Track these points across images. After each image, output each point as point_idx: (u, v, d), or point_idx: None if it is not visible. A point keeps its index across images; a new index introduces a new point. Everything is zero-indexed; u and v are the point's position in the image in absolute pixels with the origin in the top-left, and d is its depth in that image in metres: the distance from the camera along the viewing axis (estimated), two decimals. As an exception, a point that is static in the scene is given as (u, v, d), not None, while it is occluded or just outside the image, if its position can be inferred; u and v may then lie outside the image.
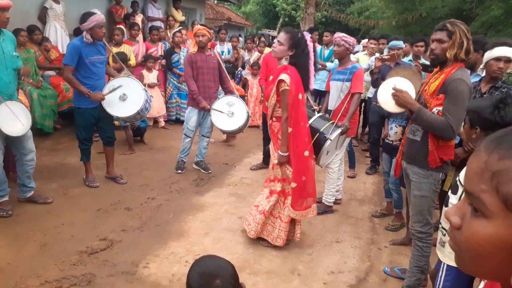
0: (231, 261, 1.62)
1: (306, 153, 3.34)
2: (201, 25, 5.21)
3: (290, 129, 3.25)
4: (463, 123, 2.75)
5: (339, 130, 3.83)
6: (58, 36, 6.38)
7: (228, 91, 5.14)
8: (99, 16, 4.06)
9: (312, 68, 3.40)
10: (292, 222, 3.50)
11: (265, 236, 3.49)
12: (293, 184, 3.32)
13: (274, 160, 3.38)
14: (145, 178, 4.87)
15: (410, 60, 5.61)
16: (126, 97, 4.23)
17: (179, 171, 5.11)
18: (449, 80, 2.47)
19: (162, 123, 7.18)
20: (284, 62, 3.27)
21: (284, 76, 3.15)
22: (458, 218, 0.60)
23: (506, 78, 3.97)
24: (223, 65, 5.22)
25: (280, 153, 3.30)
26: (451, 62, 2.50)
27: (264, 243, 3.50)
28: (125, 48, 6.44)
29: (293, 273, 3.14)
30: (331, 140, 3.72)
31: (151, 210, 4.05)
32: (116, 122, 5.44)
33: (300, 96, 3.24)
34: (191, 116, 5.02)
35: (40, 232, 3.46)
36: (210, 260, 1.42)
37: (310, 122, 3.88)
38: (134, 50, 6.68)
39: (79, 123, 4.32)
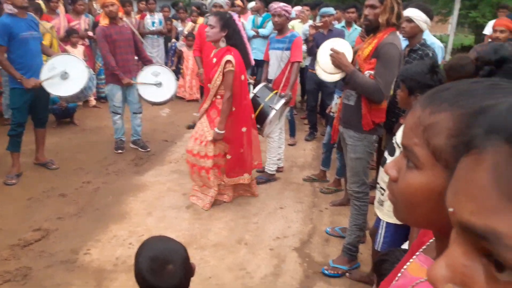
0: (177, 238, 1.59)
1: (244, 129, 3.58)
2: None
3: (233, 109, 3.44)
4: (393, 89, 2.87)
5: (283, 100, 3.89)
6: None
7: (146, 61, 4.91)
8: None
9: (248, 44, 3.62)
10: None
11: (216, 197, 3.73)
12: (228, 156, 3.61)
13: (209, 137, 3.50)
14: (79, 161, 4.61)
15: (343, 27, 5.71)
16: (67, 75, 3.96)
17: (120, 151, 4.89)
18: (381, 44, 2.53)
19: (93, 102, 6.78)
20: (222, 44, 3.42)
21: (230, 57, 3.34)
22: (395, 171, 0.63)
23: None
24: (137, 34, 4.97)
25: (216, 130, 3.44)
26: (383, 27, 2.56)
27: (216, 202, 3.73)
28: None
29: (240, 243, 3.18)
30: (276, 110, 3.78)
31: (88, 194, 3.87)
32: None
33: (242, 77, 3.46)
34: (114, 93, 4.76)
35: (-36, 228, 3.19)
36: (161, 242, 1.37)
37: (254, 91, 3.89)
38: (54, 25, 6.12)
39: (13, 105, 3.98)
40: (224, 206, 3.72)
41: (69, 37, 6.16)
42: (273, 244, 3.19)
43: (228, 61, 3.34)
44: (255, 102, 3.86)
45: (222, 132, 3.46)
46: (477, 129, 0.40)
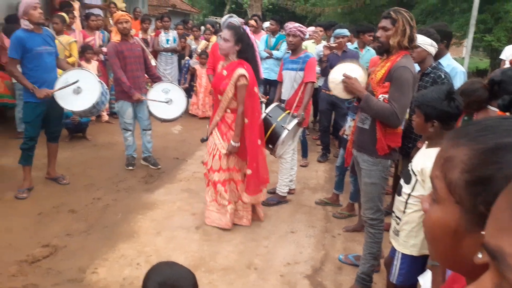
0: (186, 260, 1.56)
1: (259, 141, 3.59)
2: (122, 11, 4.99)
3: (246, 121, 3.46)
4: (408, 114, 2.82)
5: (296, 121, 3.86)
6: (-16, 25, 5.81)
7: (155, 78, 4.96)
8: None
9: (259, 58, 3.68)
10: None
11: (235, 222, 3.69)
12: (249, 171, 3.56)
13: (222, 150, 3.51)
14: (89, 177, 4.60)
15: (356, 48, 5.71)
16: (80, 90, 3.99)
17: (131, 168, 4.89)
18: (394, 68, 2.51)
19: (106, 117, 6.82)
20: (234, 57, 3.44)
21: (243, 71, 3.36)
22: (428, 204, 0.63)
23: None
24: (147, 51, 5.02)
25: (232, 143, 3.46)
26: (395, 50, 2.54)
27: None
28: (63, 38, 5.92)
29: (250, 267, 3.11)
30: (288, 130, 3.74)
31: (98, 211, 3.84)
32: None
33: (255, 89, 3.50)
34: (125, 109, 4.77)
35: (-28, 242, 3.17)
36: (170, 268, 1.37)
37: (266, 111, 3.88)
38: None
39: (26, 119, 4.00)
40: (234, 228, 3.65)
41: (84, 53, 6.25)
42: (283, 270, 3.10)
43: (242, 75, 3.36)
44: (267, 122, 3.84)
45: (238, 144, 3.48)
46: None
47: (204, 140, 3.84)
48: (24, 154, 4.04)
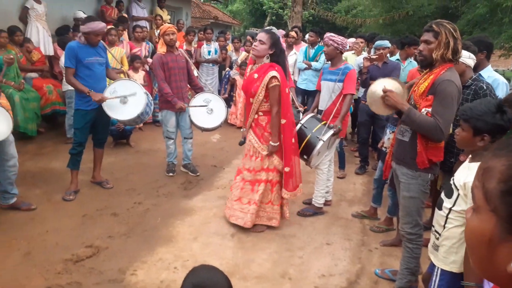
0: (220, 266, 1.60)
1: (293, 140, 3.68)
2: (167, 23, 5.19)
3: (284, 121, 3.55)
4: (452, 128, 2.75)
5: (332, 131, 3.84)
6: (40, 37, 6.24)
7: (198, 89, 5.09)
8: (99, 24, 4.06)
9: (287, 64, 3.87)
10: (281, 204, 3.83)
11: (258, 222, 3.76)
12: (287, 169, 3.65)
13: (262, 152, 3.61)
14: (131, 182, 4.78)
15: (398, 59, 5.62)
16: (127, 100, 4.18)
17: (171, 174, 5.04)
18: (438, 81, 2.45)
19: (140, 124, 7.04)
20: (266, 60, 3.54)
21: (275, 73, 3.45)
22: (470, 214, 0.65)
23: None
24: (191, 63, 5.15)
25: (272, 143, 3.57)
26: (439, 63, 2.49)
27: (258, 228, 3.75)
28: (115, 50, 6.22)
29: (284, 277, 3.10)
30: (323, 141, 3.73)
31: (138, 215, 3.97)
32: None
33: (287, 90, 3.58)
34: (168, 118, 4.94)
35: (23, 240, 3.36)
36: (208, 272, 1.40)
37: (302, 122, 3.90)
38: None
39: (76, 125, 4.24)
40: (268, 237, 3.68)
41: (133, 62, 6.54)
42: (318, 281, 3.08)
43: (273, 77, 3.44)
44: (301, 133, 3.84)
45: (277, 144, 3.57)
46: None
47: (242, 143, 3.91)
48: (72, 158, 4.26)
